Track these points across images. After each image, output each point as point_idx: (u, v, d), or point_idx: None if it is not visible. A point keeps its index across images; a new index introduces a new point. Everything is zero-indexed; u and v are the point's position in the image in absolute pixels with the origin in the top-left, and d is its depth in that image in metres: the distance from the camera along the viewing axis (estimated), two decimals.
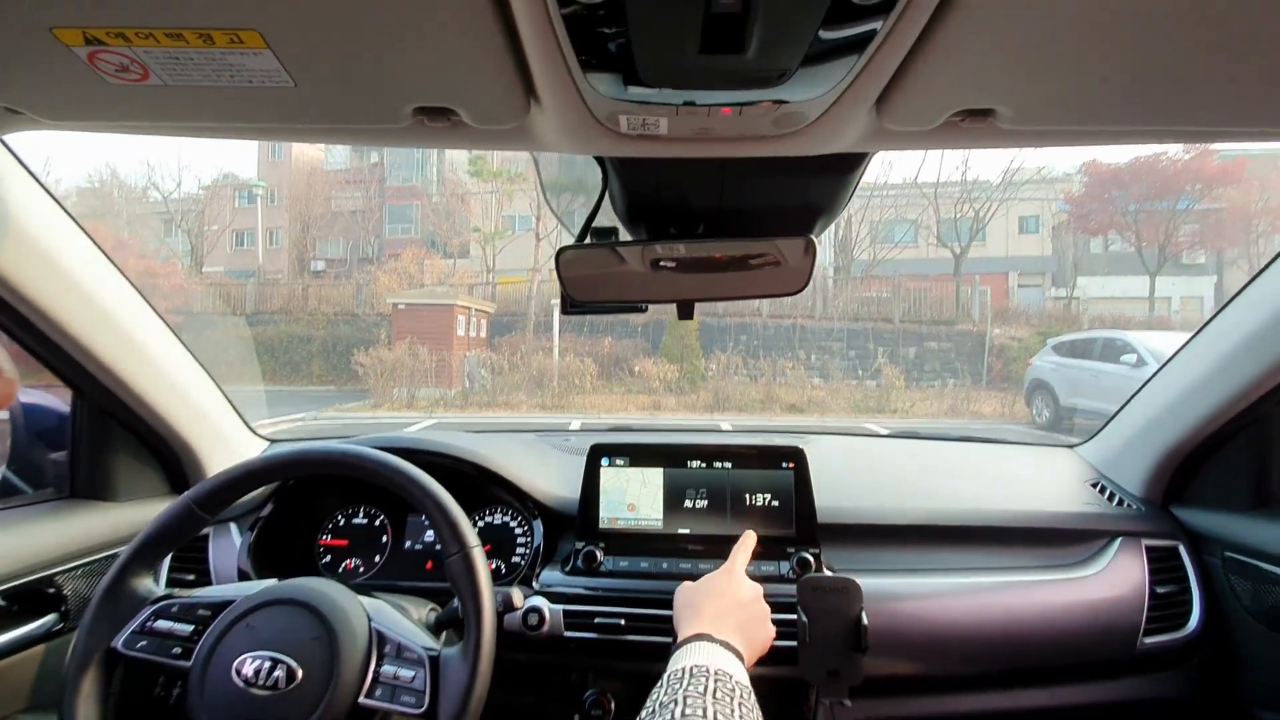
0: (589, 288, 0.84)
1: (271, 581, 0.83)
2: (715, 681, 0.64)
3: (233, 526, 1.16)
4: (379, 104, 0.59)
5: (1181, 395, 1.14)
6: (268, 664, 0.73)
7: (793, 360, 13.85)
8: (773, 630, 0.85)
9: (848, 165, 0.78)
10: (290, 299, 17.72)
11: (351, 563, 1.21)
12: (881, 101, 0.58)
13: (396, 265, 19.29)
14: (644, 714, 0.61)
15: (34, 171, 0.86)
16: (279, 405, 11.73)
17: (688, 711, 0.58)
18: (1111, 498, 1.23)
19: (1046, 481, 1.30)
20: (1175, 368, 1.18)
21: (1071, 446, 1.45)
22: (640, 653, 0.99)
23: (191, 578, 1.12)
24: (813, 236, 0.82)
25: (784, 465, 1.08)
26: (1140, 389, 1.29)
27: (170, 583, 1.13)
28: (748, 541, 0.98)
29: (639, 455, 1.11)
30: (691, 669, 0.66)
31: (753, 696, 0.66)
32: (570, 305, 0.88)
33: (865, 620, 0.91)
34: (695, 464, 1.10)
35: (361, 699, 0.74)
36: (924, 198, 19.18)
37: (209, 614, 0.80)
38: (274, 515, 1.15)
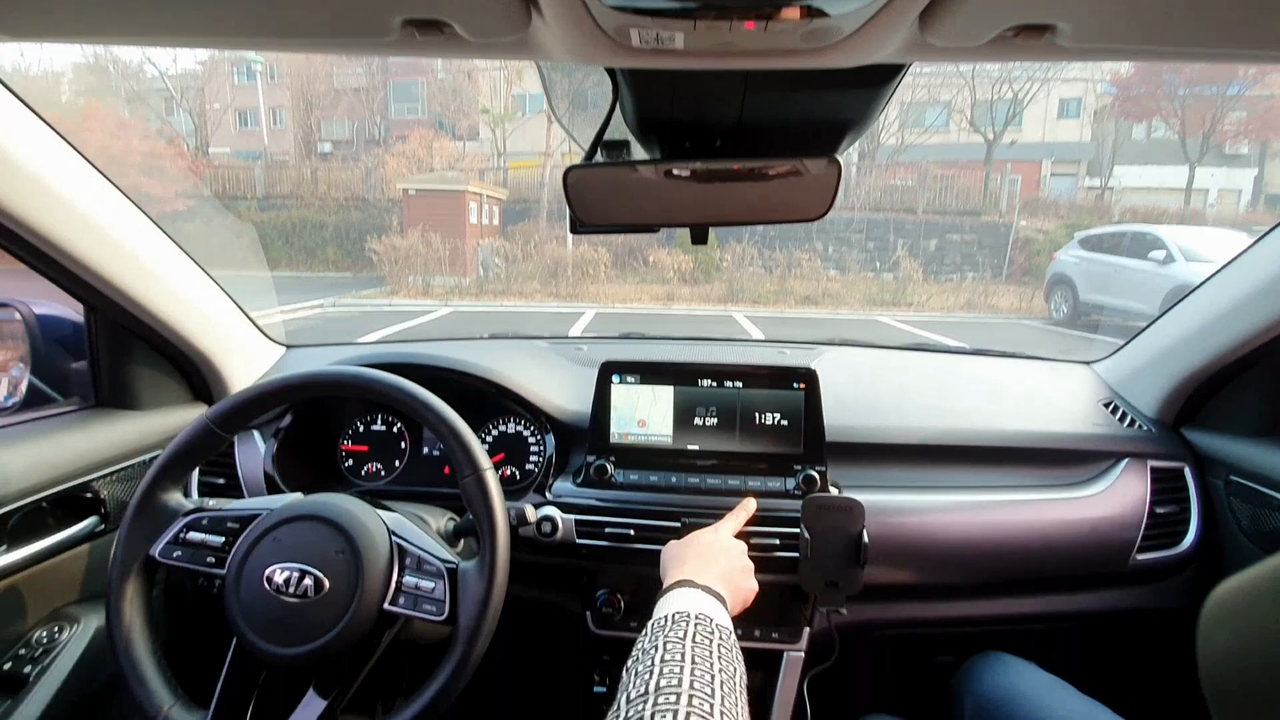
0: (598, 208, 0.80)
1: (296, 496, 0.87)
2: (695, 625, 0.66)
3: (256, 435, 1.19)
4: (363, 16, 0.53)
5: (1209, 320, 1.11)
6: (296, 574, 0.77)
7: (809, 252, 13.57)
8: (755, 585, 0.87)
9: (881, 78, 0.71)
10: (300, 183, 17.41)
11: (373, 467, 1.25)
12: (927, 14, 0.51)
13: (404, 148, 18.70)
14: (629, 661, 0.63)
15: (12, 88, 0.82)
16: (297, 292, 11.82)
17: (667, 656, 0.60)
18: (1123, 418, 1.23)
19: (1059, 400, 1.30)
20: (1205, 293, 1.15)
21: (1089, 363, 1.43)
22: (649, 559, 1.04)
23: (222, 482, 1.17)
24: (838, 156, 0.77)
25: (795, 386, 1.08)
26: (1166, 311, 1.26)
27: (202, 487, 1.18)
28: (744, 508, 0.99)
29: (650, 373, 1.11)
30: (673, 615, 0.68)
31: (733, 638, 0.68)
32: (579, 225, 0.85)
33: (866, 538, 0.94)
34: (706, 383, 1.10)
35: (386, 605, 0.79)
36: (960, 77, 17.98)
37: (237, 526, 0.84)
38: (295, 425, 1.18)
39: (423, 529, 0.88)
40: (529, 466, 1.21)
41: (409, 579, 0.80)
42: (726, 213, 0.82)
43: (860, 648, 1.12)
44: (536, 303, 11.80)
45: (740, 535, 1.01)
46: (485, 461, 0.84)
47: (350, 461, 1.26)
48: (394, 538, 0.82)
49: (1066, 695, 0.95)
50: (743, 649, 1.07)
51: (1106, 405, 1.27)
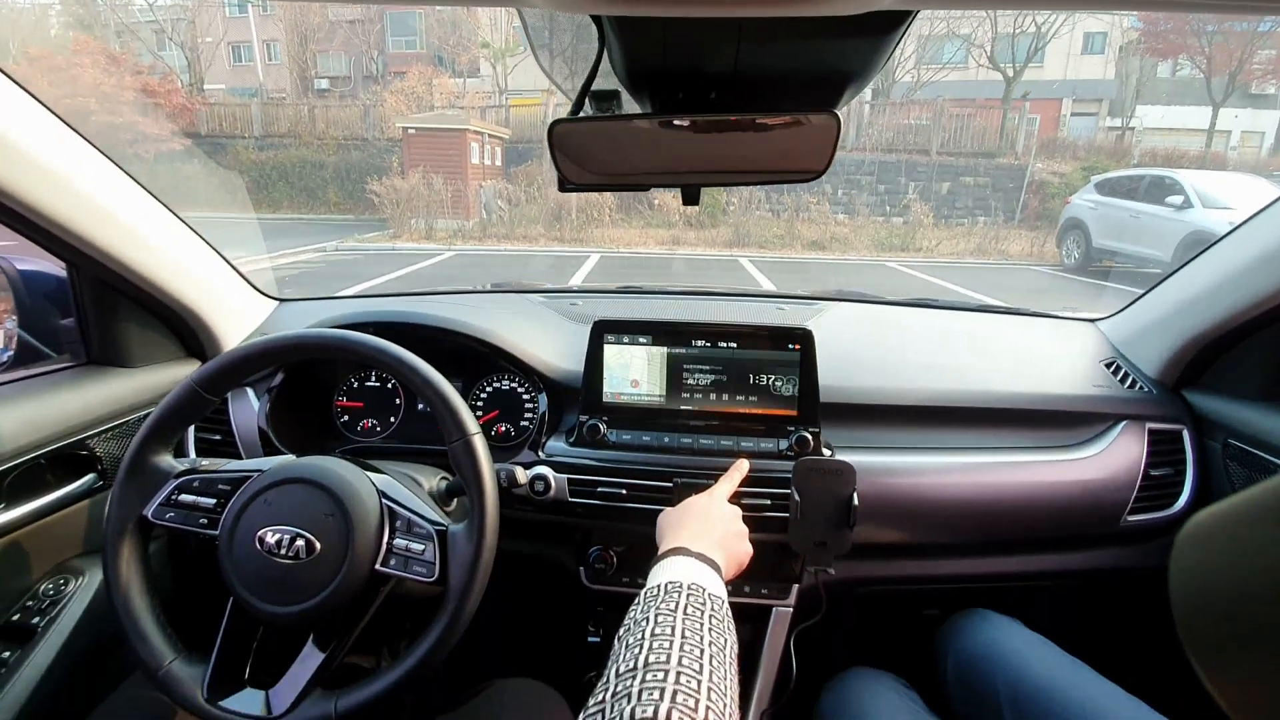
0: (586, 165, 0.77)
1: (287, 459, 0.87)
2: (688, 597, 0.66)
3: (250, 392, 1.19)
4: None
5: (1221, 281, 1.07)
6: (288, 536, 0.78)
7: (817, 195, 13.29)
8: (750, 548, 0.87)
9: (884, 26, 0.67)
10: (297, 121, 17.00)
11: (368, 423, 1.25)
12: None
13: (403, 85, 18.18)
14: (621, 630, 0.64)
15: None
16: (299, 235, 11.71)
17: (657, 630, 0.60)
18: (1125, 379, 1.21)
19: (1060, 360, 1.28)
20: (1218, 252, 1.11)
21: (1094, 320, 1.40)
22: (641, 518, 1.05)
23: (218, 439, 1.18)
24: (838, 110, 0.73)
25: (790, 346, 1.06)
26: (1177, 270, 1.23)
27: (198, 443, 1.19)
28: (738, 470, 0.99)
29: (642, 332, 1.09)
30: (666, 585, 0.68)
31: (725, 607, 0.68)
32: (566, 184, 0.81)
33: (856, 501, 0.94)
34: (700, 342, 1.08)
35: (378, 566, 0.80)
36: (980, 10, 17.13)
37: (229, 489, 0.84)
38: (288, 382, 1.17)
39: (414, 490, 0.88)
40: (523, 423, 1.21)
41: (399, 541, 0.81)
42: (720, 170, 0.79)
43: (847, 603, 1.14)
44: (540, 246, 11.68)
45: (733, 497, 1.02)
46: (473, 426, 0.83)
47: (346, 418, 1.26)
48: (384, 500, 0.83)
49: (1047, 652, 0.97)
50: (732, 604, 1.09)
51: (1108, 366, 1.25)
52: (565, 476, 1.07)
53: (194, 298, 1.18)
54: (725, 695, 0.56)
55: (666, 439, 1.08)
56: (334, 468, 0.82)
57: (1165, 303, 1.24)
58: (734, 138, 0.76)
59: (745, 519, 0.96)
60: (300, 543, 0.78)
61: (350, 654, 0.83)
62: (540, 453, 1.11)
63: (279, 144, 16.45)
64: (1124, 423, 1.15)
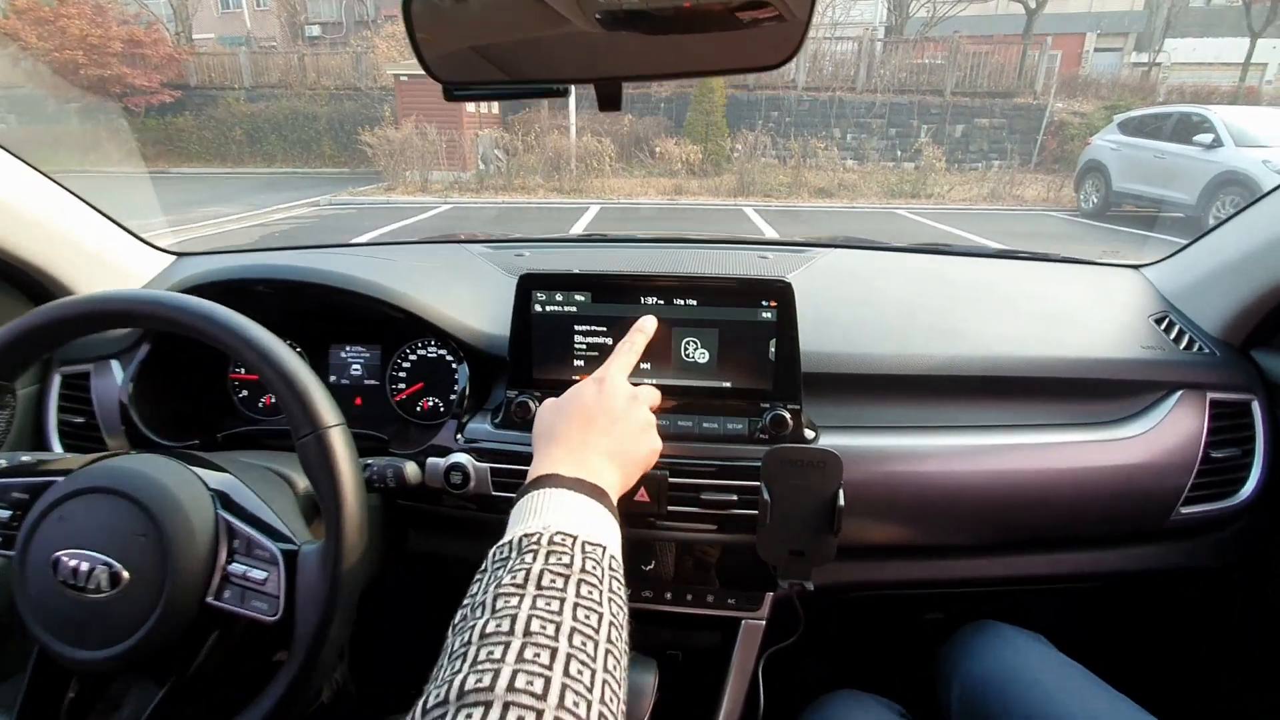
0: (461, 57, 0.55)
1: (98, 460, 0.67)
2: (545, 559, 0.47)
3: (114, 364, 0.99)
4: None
5: None
6: (87, 564, 0.59)
7: (826, 140, 12.76)
8: (657, 443, 0.69)
9: None
10: (288, 70, 16.47)
11: (271, 398, 1.06)
12: None
13: (395, 29, 17.43)
14: (455, 619, 0.46)
15: None
16: (293, 189, 11.46)
17: (492, 627, 0.42)
18: (1179, 337, 0.99)
19: (1100, 315, 1.05)
20: None
21: (1137, 267, 1.17)
22: None
23: (80, 420, 0.99)
24: None
25: (763, 304, 0.85)
26: (1241, 211, 1.00)
27: (61, 426, 1.00)
28: (639, 333, 0.77)
29: (580, 288, 0.88)
30: (519, 540, 0.49)
31: (610, 558, 0.50)
32: (452, 90, 0.60)
33: (842, 501, 0.74)
34: (651, 300, 0.86)
35: (209, 599, 0.62)
36: None
37: (25, 498, 0.66)
38: (162, 353, 0.97)
39: (273, 495, 0.69)
40: (453, 396, 1.02)
41: (237, 566, 0.62)
42: (649, 59, 0.56)
43: (829, 614, 0.95)
44: (539, 198, 11.35)
45: (688, 485, 0.82)
46: (330, 416, 0.64)
47: (244, 393, 1.07)
48: (220, 513, 0.64)
49: (1076, 680, 0.79)
50: (692, 616, 0.91)
51: (1159, 321, 1.03)
52: (488, 465, 0.87)
53: (37, 251, 0.97)
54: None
55: None
56: (148, 471, 0.63)
57: (1231, 246, 1.01)
58: (667, 11, 0.53)
59: (709, 517, 0.77)
60: (101, 573, 0.59)
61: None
62: (460, 436, 0.91)
63: (270, 95, 15.99)
64: (1180, 392, 0.93)
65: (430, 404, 1.04)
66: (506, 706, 0.36)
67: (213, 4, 22.21)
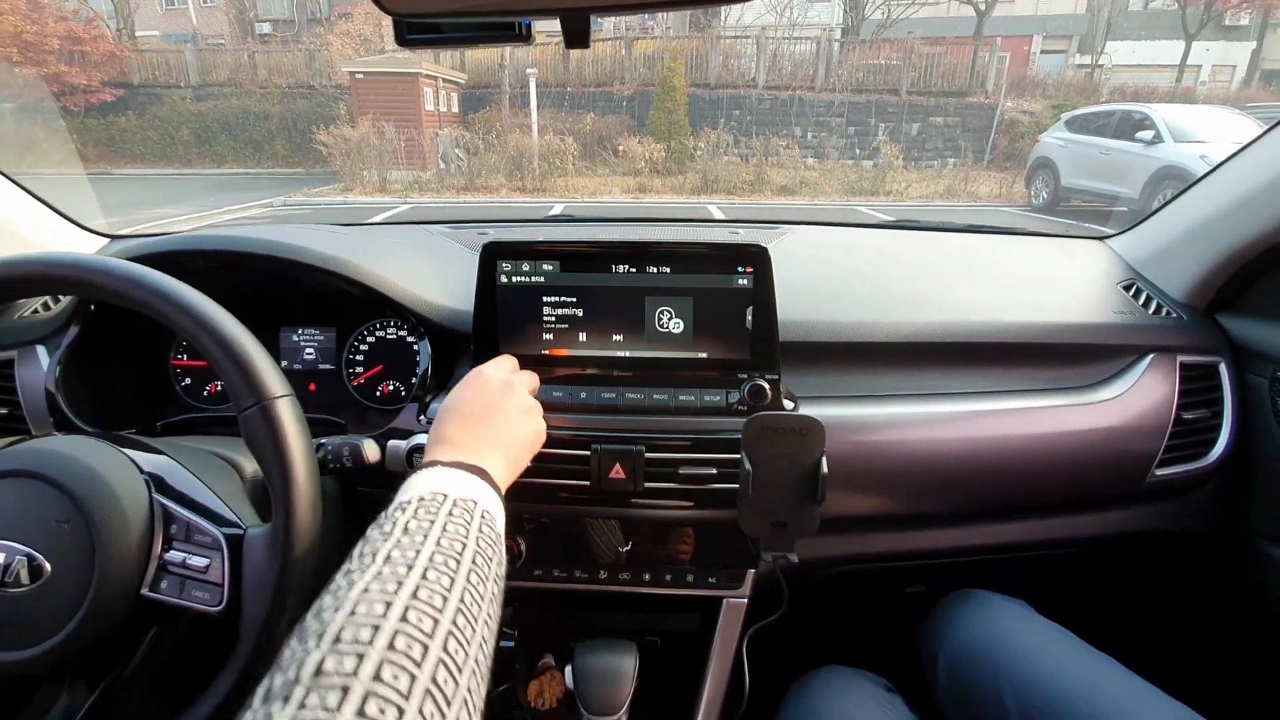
0: None
1: (12, 444, 0.61)
2: (411, 515, 0.47)
3: (39, 350, 0.91)
4: None
5: (1263, 188, 0.86)
6: (1, 556, 0.53)
7: (787, 139, 12.88)
8: (540, 424, 0.71)
9: None
10: (238, 68, 15.96)
11: (216, 386, 1.00)
12: None
13: (350, 27, 17.06)
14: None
15: None
16: (245, 190, 11.10)
17: (350, 567, 0.43)
18: (1147, 302, 1.00)
19: (1069, 282, 1.06)
20: (1255, 155, 0.90)
21: (1103, 239, 1.18)
22: (552, 496, 0.82)
23: (4, 412, 0.91)
24: None
25: (739, 270, 0.82)
26: (1201, 180, 1.02)
27: None
28: None
29: (548, 257, 0.83)
30: (392, 510, 0.49)
31: (476, 514, 0.50)
32: (404, 26, 0.55)
33: (825, 468, 0.72)
34: (622, 268, 0.83)
35: (145, 591, 0.56)
36: None
37: None
38: (93, 335, 0.90)
39: (215, 479, 0.63)
40: (414, 380, 0.96)
41: (175, 553, 0.57)
42: None
43: (810, 588, 0.93)
44: (502, 197, 11.21)
45: (665, 460, 0.79)
46: (276, 386, 0.59)
47: (187, 380, 1.00)
48: (155, 497, 0.58)
49: (1063, 644, 0.78)
50: (672, 597, 0.88)
51: (1127, 288, 1.03)
52: None
53: None
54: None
55: (583, 394, 0.84)
56: (71, 452, 0.57)
57: (1193, 214, 1.02)
58: None
59: (687, 492, 0.76)
60: (19, 565, 0.53)
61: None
62: (422, 417, 0.86)
63: (219, 93, 15.48)
64: (1151, 356, 0.94)
65: (390, 388, 0.99)
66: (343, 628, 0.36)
67: (156, 1, 21.42)
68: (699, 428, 0.81)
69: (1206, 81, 18.00)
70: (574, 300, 0.84)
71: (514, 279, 0.84)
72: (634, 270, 0.83)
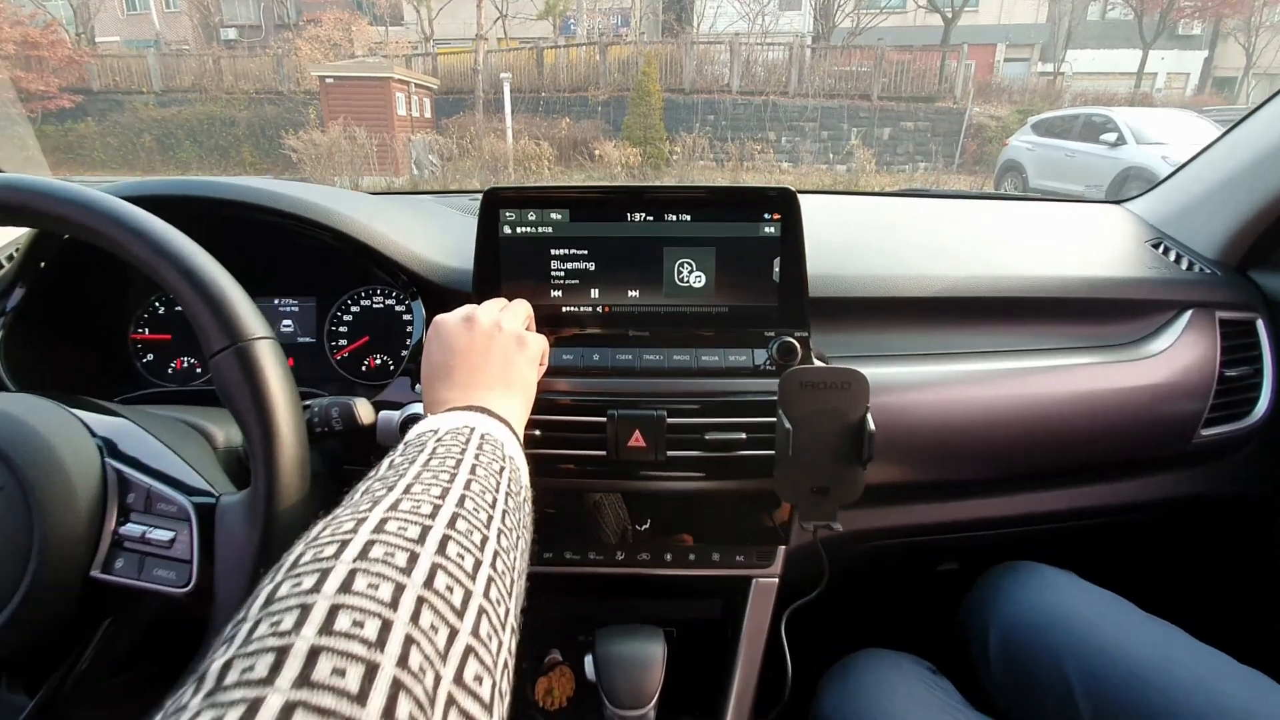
0: None
1: None
2: (436, 445, 0.42)
3: None
4: None
5: None
6: None
7: (762, 143, 12.96)
8: (540, 341, 0.65)
9: None
10: (202, 74, 15.61)
11: (182, 362, 0.90)
12: None
13: (319, 32, 16.83)
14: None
15: None
16: None
17: (373, 487, 0.38)
18: (1179, 259, 0.96)
19: (1097, 240, 1.02)
20: (1277, 111, 0.86)
21: (1119, 202, 1.15)
22: (561, 469, 0.74)
23: None
24: None
25: (766, 217, 0.75)
26: (1221, 138, 0.99)
27: None
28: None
29: (556, 205, 0.76)
30: (406, 443, 0.44)
31: (504, 451, 0.45)
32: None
33: (872, 425, 0.65)
34: (639, 216, 0.76)
35: (95, 572, 0.47)
36: None
37: None
38: (40, 303, 0.80)
39: (182, 444, 0.55)
40: (404, 353, 0.88)
41: (132, 527, 0.48)
42: None
43: (845, 565, 0.86)
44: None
45: (690, 425, 0.72)
46: (256, 327, 0.50)
47: (149, 356, 0.90)
48: (108, 462, 0.49)
49: (1124, 614, 0.72)
50: (697, 578, 0.81)
51: (1155, 246, 0.99)
52: None
53: None
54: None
55: (596, 356, 0.76)
56: (14, 411, 0.48)
57: (1214, 173, 0.99)
58: None
59: (712, 459, 0.69)
60: None
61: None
62: (418, 386, 0.78)
63: (183, 99, 15.12)
64: (1190, 312, 0.89)
65: (378, 361, 0.91)
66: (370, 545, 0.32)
67: (117, 5, 20.93)
68: (725, 389, 0.74)
69: (1162, 88, 18.64)
70: (585, 253, 0.76)
71: (519, 229, 0.76)
72: (651, 218, 0.76)
